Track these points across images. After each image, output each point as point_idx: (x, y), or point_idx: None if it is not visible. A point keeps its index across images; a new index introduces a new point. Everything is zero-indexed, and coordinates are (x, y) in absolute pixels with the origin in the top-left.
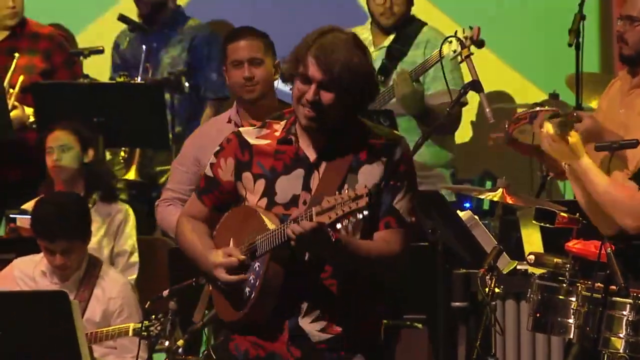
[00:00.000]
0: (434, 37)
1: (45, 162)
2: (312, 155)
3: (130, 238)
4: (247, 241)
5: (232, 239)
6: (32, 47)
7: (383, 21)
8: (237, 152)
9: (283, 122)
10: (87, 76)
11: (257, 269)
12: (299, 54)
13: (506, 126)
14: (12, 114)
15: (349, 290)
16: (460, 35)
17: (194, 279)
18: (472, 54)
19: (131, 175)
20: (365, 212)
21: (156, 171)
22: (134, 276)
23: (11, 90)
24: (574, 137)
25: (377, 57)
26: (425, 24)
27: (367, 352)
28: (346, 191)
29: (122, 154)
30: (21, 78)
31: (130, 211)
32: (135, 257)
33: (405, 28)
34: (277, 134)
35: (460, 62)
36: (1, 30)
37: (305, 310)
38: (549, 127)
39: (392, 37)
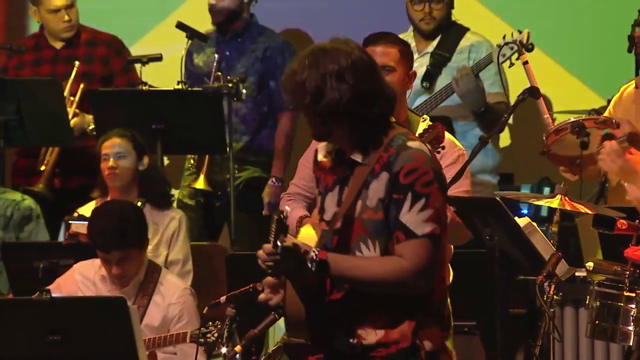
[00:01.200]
0: (478, 42)
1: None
2: (347, 170)
3: (184, 246)
4: None
5: None
6: (90, 54)
7: (423, 27)
8: (314, 168)
9: None
10: (145, 83)
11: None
12: None
13: (545, 137)
14: (73, 121)
15: (375, 303)
16: (508, 38)
17: (251, 285)
18: (527, 61)
19: (200, 184)
20: (282, 235)
21: (225, 178)
22: (188, 284)
23: (72, 98)
24: (636, 155)
25: (421, 63)
26: (468, 29)
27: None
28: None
29: (192, 161)
30: (82, 86)
31: (184, 218)
32: (189, 265)
33: (447, 33)
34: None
35: (511, 65)
36: (58, 40)
37: (339, 328)
38: (612, 144)
39: (435, 42)
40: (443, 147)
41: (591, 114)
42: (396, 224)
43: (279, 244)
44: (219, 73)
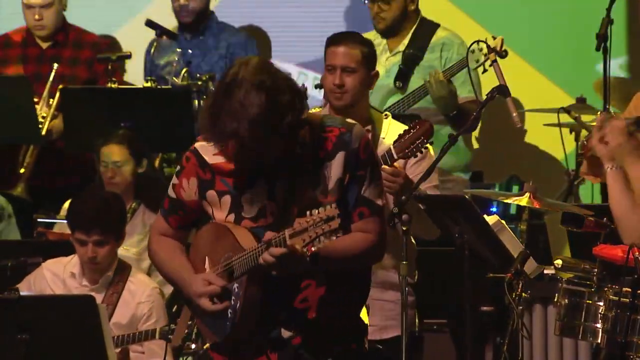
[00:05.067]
0: (449, 40)
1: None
2: (271, 167)
3: None
4: (223, 261)
5: (207, 258)
6: (75, 56)
7: (375, 25)
8: (198, 171)
9: None
10: (115, 81)
11: (237, 290)
12: None
13: (585, 141)
14: (53, 123)
15: (327, 296)
16: (482, 44)
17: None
18: (496, 60)
19: None
20: (339, 234)
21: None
22: (170, 290)
23: (51, 100)
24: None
25: (393, 62)
26: (438, 25)
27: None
28: (317, 212)
29: None
30: (60, 87)
31: None
32: None
33: (418, 31)
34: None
35: (484, 71)
36: (43, 40)
37: (285, 320)
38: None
39: (406, 41)
40: (432, 143)
41: (560, 112)
42: (358, 200)
43: (288, 241)
44: (186, 68)
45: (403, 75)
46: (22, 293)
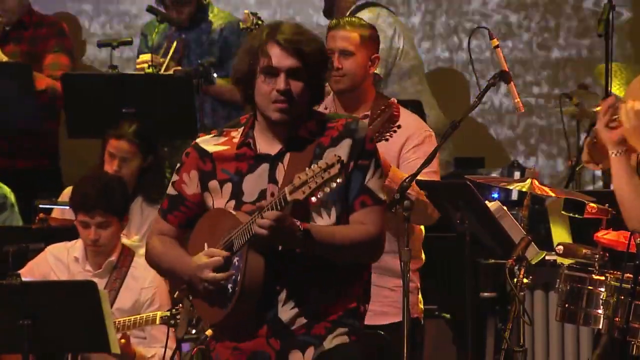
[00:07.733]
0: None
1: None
2: (273, 151)
3: None
4: (222, 239)
5: (205, 243)
6: (34, 35)
7: None
8: (199, 163)
9: (240, 129)
10: (115, 67)
11: (237, 263)
12: (254, 49)
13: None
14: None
15: (327, 274)
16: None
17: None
18: (499, 45)
19: None
20: (339, 180)
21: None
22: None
23: None
24: None
25: None
26: (370, 5)
27: (348, 326)
28: (316, 164)
29: None
30: (61, 74)
31: None
32: None
33: (355, 12)
34: (235, 140)
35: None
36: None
37: (284, 298)
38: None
39: None
40: (399, 127)
41: (562, 98)
42: (362, 189)
43: (288, 197)
44: (174, 44)
45: None
46: (24, 279)
